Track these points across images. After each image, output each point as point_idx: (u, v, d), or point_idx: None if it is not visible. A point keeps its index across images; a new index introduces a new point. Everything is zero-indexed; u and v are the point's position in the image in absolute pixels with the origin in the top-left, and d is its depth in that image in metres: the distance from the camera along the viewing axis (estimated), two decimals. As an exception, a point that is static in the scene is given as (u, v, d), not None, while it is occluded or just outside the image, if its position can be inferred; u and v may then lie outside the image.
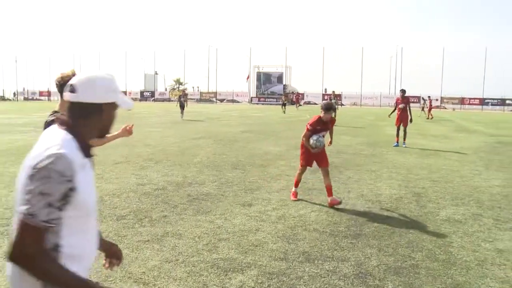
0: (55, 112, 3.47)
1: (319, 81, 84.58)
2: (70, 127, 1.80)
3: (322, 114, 7.37)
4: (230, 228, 5.91)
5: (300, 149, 7.79)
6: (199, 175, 9.41)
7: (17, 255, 1.63)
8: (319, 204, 7.25)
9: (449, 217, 6.69)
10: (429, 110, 37.11)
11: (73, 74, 3.45)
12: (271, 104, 69.67)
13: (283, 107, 43.35)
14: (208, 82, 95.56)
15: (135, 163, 10.71)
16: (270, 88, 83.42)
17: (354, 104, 71.77)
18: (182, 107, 30.42)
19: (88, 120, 1.83)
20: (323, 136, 7.45)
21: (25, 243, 1.61)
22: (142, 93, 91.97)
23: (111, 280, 4.22)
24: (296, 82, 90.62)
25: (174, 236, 5.54)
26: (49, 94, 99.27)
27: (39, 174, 1.64)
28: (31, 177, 1.65)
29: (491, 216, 6.74)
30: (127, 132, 4.23)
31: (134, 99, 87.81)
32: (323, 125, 7.44)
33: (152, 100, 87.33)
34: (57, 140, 1.73)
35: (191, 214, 6.49)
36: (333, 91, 29.28)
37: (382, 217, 6.59)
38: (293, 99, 63.91)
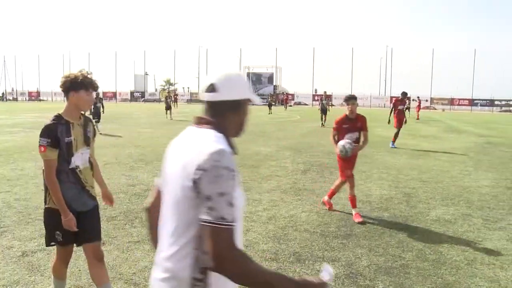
0: (58, 116, 3.32)
1: (310, 82, 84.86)
2: (216, 126, 1.78)
3: (346, 110, 6.73)
4: (221, 229, 5.88)
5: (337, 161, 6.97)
6: (189, 176, 9.37)
7: (221, 264, 1.56)
8: (310, 205, 7.26)
9: (439, 217, 6.73)
10: (417, 111, 37.44)
11: (82, 74, 3.30)
12: (262, 104, 69.63)
13: (270, 108, 43.16)
14: (198, 82, 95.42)
15: (125, 164, 10.66)
16: (260, 90, 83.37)
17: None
18: (168, 108, 30.87)
19: (228, 118, 1.81)
20: (355, 140, 6.68)
21: (224, 248, 1.56)
22: (132, 93, 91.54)
23: (101, 282, 4.19)
24: (286, 83, 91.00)
25: (164, 237, 5.51)
26: (38, 94, 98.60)
27: (209, 174, 1.59)
28: (200, 181, 1.60)
29: (481, 216, 6.79)
30: (109, 199, 3.89)
31: (124, 100, 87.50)
32: (350, 123, 6.71)
33: (142, 101, 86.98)
34: (210, 138, 1.70)
35: (182, 215, 6.45)
36: (325, 92, 29.41)
37: (372, 218, 6.62)
38: (282, 99, 63.98)
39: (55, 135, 3.23)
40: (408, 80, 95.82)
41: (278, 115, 38.33)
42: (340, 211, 6.91)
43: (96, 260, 3.50)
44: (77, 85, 3.31)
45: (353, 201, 6.65)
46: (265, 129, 22.78)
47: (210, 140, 1.68)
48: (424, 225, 6.33)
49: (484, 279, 4.52)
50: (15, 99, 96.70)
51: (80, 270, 4.45)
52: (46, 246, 3.59)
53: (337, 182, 7.01)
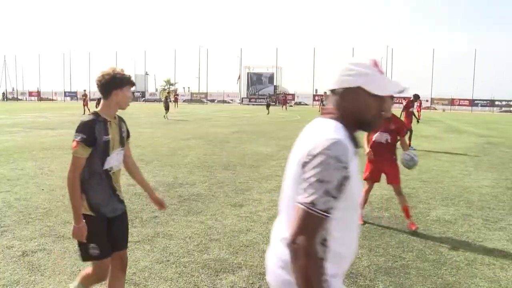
0: (95, 113, 3.13)
1: (310, 82, 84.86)
2: (336, 116, 1.75)
3: None
4: (221, 229, 5.90)
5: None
6: (190, 176, 9.38)
7: (292, 247, 1.55)
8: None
9: (439, 217, 6.72)
10: (418, 111, 37.45)
11: (114, 71, 3.10)
12: (261, 104, 69.78)
13: (267, 108, 43.74)
14: (199, 82, 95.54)
15: (126, 164, 10.64)
16: (261, 90, 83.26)
17: None
18: (166, 108, 31.46)
19: (342, 108, 1.76)
20: (385, 141, 6.27)
21: (305, 233, 1.53)
22: (132, 93, 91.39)
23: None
24: (287, 83, 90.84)
25: (165, 237, 5.52)
26: (38, 94, 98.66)
27: (315, 160, 1.58)
28: (306, 165, 1.60)
29: (481, 217, 6.79)
30: (160, 204, 3.70)
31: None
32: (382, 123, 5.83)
33: (143, 101, 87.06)
34: (329, 127, 1.68)
35: (182, 215, 6.47)
36: (325, 92, 29.29)
37: (372, 218, 6.61)
38: (281, 99, 64.06)
39: (93, 133, 3.00)
40: (408, 80, 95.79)
41: (279, 115, 38.30)
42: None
43: (121, 271, 3.31)
44: (122, 81, 3.12)
45: (406, 211, 6.31)
46: (265, 129, 22.78)
47: (328, 129, 1.67)
48: (425, 225, 6.33)
49: (484, 280, 4.51)
50: (16, 99, 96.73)
51: (80, 270, 4.44)
52: (82, 261, 3.24)
53: (397, 196, 6.35)
